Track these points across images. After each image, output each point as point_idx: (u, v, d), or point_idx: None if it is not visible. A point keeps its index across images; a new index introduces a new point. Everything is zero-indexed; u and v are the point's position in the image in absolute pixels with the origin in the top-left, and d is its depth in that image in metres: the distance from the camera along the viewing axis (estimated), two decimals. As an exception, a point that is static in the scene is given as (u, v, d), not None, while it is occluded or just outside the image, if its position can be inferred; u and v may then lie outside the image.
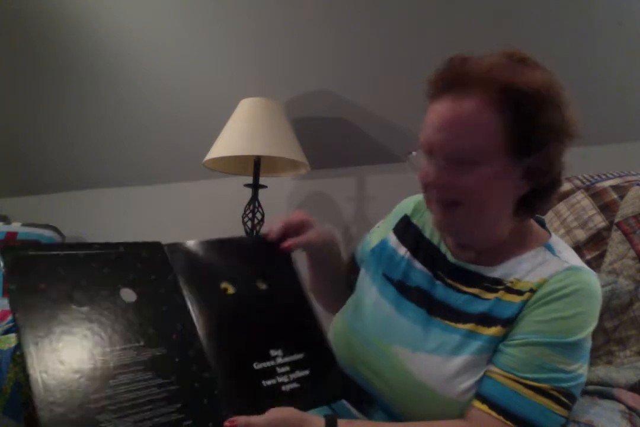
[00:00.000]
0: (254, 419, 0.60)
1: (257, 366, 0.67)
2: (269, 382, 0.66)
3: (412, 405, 0.72)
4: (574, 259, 0.75)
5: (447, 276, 0.80)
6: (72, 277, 0.62)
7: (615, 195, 0.99)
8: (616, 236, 0.95)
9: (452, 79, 0.71)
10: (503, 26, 1.53)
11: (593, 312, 0.71)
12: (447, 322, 0.75)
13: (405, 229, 0.89)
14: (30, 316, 0.57)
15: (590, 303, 0.71)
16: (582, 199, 1.03)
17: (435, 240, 0.85)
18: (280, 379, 0.67)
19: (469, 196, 0.71)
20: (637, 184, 0.99)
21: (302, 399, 0.67)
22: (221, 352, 0.66)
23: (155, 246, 0.71)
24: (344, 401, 0.79)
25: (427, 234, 0.86)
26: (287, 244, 0.79)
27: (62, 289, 0.60)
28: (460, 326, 0.74)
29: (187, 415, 0.59)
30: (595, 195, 1.02)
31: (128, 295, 0.64)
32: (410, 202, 0.92)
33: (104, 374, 0.57)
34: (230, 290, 0.72)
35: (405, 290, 0.82)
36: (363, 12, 1.69)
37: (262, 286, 0.75)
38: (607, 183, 1.03)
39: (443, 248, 0.83)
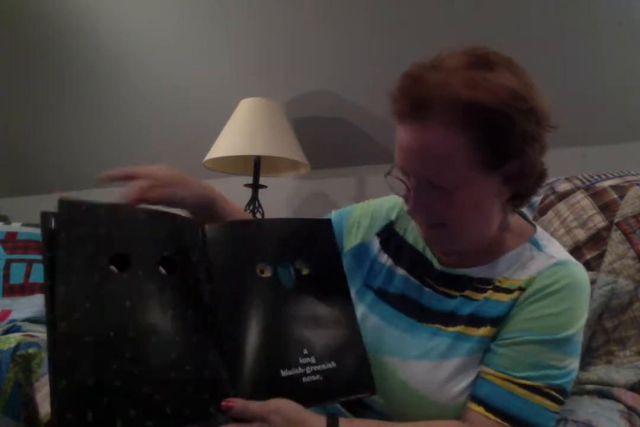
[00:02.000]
0: (251, 404, 0.60)
1: (279, 354, 0.66)
2: (289, 373, 0.65)
3: (406, 412, 0.72)
4: (560, 253, 0.74)
5: (436, 282, 0.78)
6: (114, 242, 0.61)
7: (615, 195, 0.99)
8: (616, 235, 0.95)
9: (410, 104, 0.66)
10: (503, 26, 1.53)
11: (583, 306, 0.70)
12: (437, 326, 0.74)
13: (389, 236, 0.87)
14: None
15: (580, 297, 0.70)
16: (582, 199, 1.03)
17: (420, 246, 0.83)
18: (301, 370, 0.65)
19: (449, 219, 0.70)
20: (637, 184, 0.99)
21: (323, 392, 0.66)
22: (243, 336, 0.65)
23: (194, 225, 0.69)
24: (338, 405, 0.78)
25: (410, 240, 0.85)
26: (134, 200, 0.68)
27: (103, 252, 0.59)
28: (450, 329, 0.73)
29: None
30: (595, 195, 1.02)
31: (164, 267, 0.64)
32: (394, 209, 0.89)
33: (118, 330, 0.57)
34: (267, 272, 0.70)
35: (386, 297, 0.80)
36: (363, 12, 1.69)
37: (304, 271, 0.72)
38: (607, 183, 1.03)
39: (428, 254, 0.81)
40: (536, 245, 0.75)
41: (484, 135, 0.64)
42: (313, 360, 0.66)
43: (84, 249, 0.58)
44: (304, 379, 0.65)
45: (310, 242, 0.75)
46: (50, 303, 0.54)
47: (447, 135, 0.64)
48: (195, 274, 0.65)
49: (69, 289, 0.55)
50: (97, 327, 0.55)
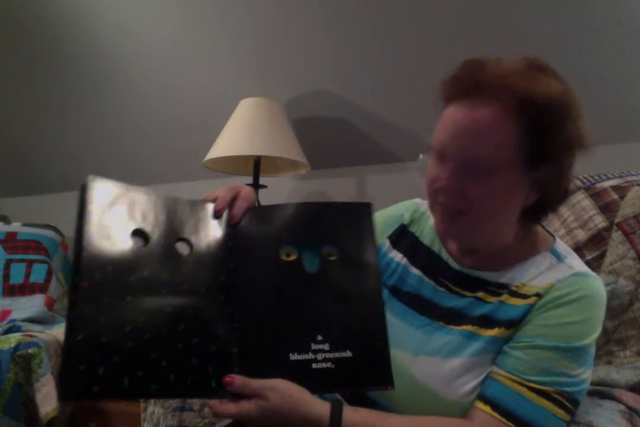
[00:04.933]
0: (251, 381, 0.61)
1: (290, 337, 0.66)
2: (298, 357, 0.65)
3: (414, 408, 0.71)
4: (579, 265, 0.75)
5: (451, 282, 0.79)
6: (137, 218, 0.64)
7: (615, 196, 0.99)
8: (616, 236, 0.95)
9: (470, 85, 0.69)
10: (503, 26, 1.53)
11: (599, 318, 0.71)
12: (450, 326, 0.75)
13: (400, 236, 0.88)
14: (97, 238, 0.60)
15: (597, 309, 0.71)
16: (582, 200, 1.03)
17: (436, 247, 0.84)
18: (312, 356, 0.65)
19: (477, 206, 0.70)
20: (637, 185, 0.99)
21: (333, 380, 0.65)
22: (256, 317, 0.66)
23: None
24: (339, 397, 0.78)
25: (426, 241, 0.86)
26: (236, 215, 0.71)
27: (127, 226, 0.63)
28: (462, 327, 0.74)
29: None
30: (596, 195, 1.02)
31: (182, 248, 0.66)
32: (406, 211, 0.91)
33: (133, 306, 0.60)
34: (293, 255, 0.70)
35: (399, 295, 0.81)
36: (363, 12, 1.69)
37: (333, 255, 0.71)
38: (607, 183, 1.03)
39: (444, 255, 0.82)
40: (556, 255, 0.76)
41: (529, 130, 0.67)
42: (326, 347, 0.66)
43: (109, 221, 0.61)
44: (314, 365, 0.65)
45: (344, 226, 0.73)
46: (75, 267, 0.58)
47: (499, 119, 0.67)
48: (214, 254, 0.68)
49: (94, 254, 0.59)
50: (115, 290, 0.59)
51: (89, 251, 0.59)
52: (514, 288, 0.74)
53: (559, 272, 0.73)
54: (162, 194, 0.68)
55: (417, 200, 0.94)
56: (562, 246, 0.79)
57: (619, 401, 0.80)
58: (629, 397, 0.81)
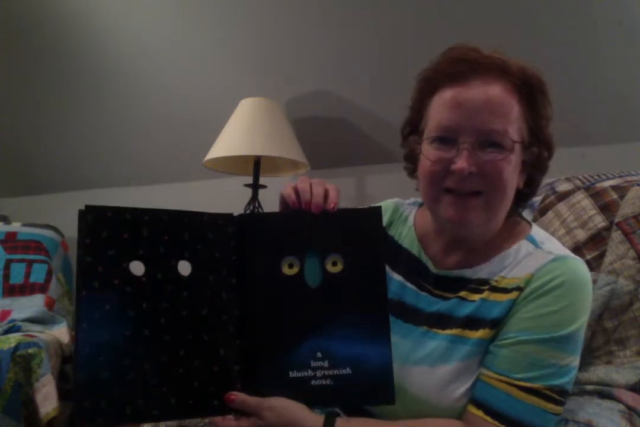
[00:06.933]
0: (249, 399, 0.63)
1: (290, 354, 0.66)
2: (297, 375, 0.66)
3: (408, 417, 0.71)
4: (558, 248, 0.73)
5: (433, 286, 0.78)
6: (137, 245, 0.64)
7: (615, 196, 0.99)
8: (616, 236, 0.95)
9: (471, 65, 0.70)
10: (503, 27, 1.53)
11: (584, 302, 0.69)
12: (434, 330, 0.74)
13: None
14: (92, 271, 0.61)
15: (580, 293, 0.69)
16: (582, 199, 1.03)
17: (415, 250, 0.82)
18: (311, 373, 0.66)
19: (495, 182, 0.69)
20: (637, 184, 0.99)
21: (331, 396, 0.66)
22: (258, 334, 0.67)
23: (226, 218, 0.70)
24: (341, 413, 0.78)
25: (405, 245, 0.84)
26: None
27: (125, 256, 0.63)
28: (447, 331, 0.73)
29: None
30: (595, 195, 1.02)
31: (184, 268, 0.66)
32: (385, 214, 0.88)
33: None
34: (295, 267, 0.68)
35: None
36: (363, 12, 1.69)
37: (337, 266, 0.68)
38: (607, 183, 1.03)
39: (424, 258, 0.81)
40: (533, 242, 0.74)
41: (528, 106, 0.71)
42: (326, 364, 0.66)
43: (108, 254, 0.62)
44: (313, 382, 0.66)
45: (352, 235, 0.69)
46: (76, 306, 0.61)
47: (511, 93, 0.70)
48: (217, 271, 0.67)
49: (91, 292, 0.61)
50: (114, 326, 0.61)
51: (88, 291, 0.60)
52: (494, 283, 0.72)
53: (537, 259, 0.71)
54: (164, 210, 0.66)
55: (395, 200, 0.92)
56: (539, 232, 0.77)
57: (618, 400, 0.80)
58: (629, 397, 0.81)
